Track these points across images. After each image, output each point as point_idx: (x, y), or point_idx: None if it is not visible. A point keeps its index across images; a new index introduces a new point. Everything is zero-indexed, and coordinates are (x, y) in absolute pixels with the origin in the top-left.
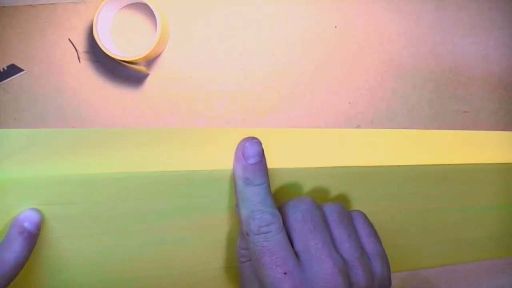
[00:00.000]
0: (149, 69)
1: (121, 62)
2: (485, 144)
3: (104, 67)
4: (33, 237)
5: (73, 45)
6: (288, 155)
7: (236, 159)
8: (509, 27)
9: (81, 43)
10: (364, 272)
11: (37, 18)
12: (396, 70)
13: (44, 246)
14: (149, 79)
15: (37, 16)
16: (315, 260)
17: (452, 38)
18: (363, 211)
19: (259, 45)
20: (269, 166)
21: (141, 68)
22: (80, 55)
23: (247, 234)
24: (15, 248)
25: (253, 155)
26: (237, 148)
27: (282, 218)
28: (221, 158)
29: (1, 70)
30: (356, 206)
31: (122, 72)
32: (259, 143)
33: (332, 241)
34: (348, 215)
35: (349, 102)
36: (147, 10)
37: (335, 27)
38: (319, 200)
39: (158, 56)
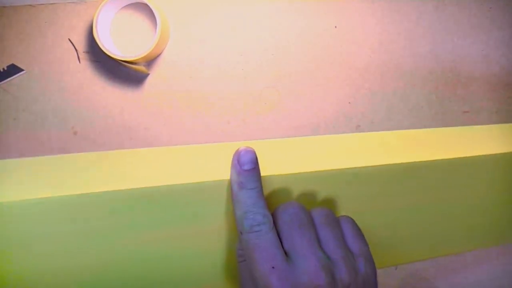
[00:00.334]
0: (149, 69)
1: (121, 62)
2: (474, 138)
3: (104, 67)
4: None
5: (73, 45)
6: (280, 163)
7: (232, 165)
8: (509, 27)
9: (81, 43)
10: (347, 269)
11: (37, 18)
12: (396, 70)
13: (43, 262)
14: (149, 79)
15: (37, 16)
16: (300, 256)
17: (452, 38)
18: (355, 209)
19: (259, 45)
20: (262, 173)
21: (141, 68)
22: (80, 55)
23: (241, 233)
24: None
25: (247, 162)
26: (233, 156)
27: (273, 221)
28: (216, 170)
29: (1, 70)
30: (347, 204)
31: (122, 72)
32: (253, 152)
33: (318, 241)
34: (334, 219)
35: (349, 102)
36: (147, 10)
37: (335, 27)
38: (308, 202)
39: (158, 56)
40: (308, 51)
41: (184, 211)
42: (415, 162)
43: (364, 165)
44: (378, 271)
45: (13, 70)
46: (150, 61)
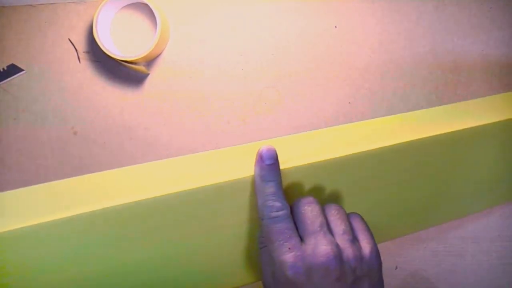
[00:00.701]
0: (149, 69)
1: (121, 62)
2: (460, 113)
3: (104, 67)
4: None
5: (73, 45)
6: (293, 158)
7: (256, 161)
8: (509, 27)
9: (81, 43)
10: (354, 254)
11: (37, 18)
12: (396, 70)
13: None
14: (149, 79)
15: (37, 16)
16: (313, 240)
17: (452, 38)
18: (356, 191)
19: (259, 45)
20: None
21: (141, 68)
22: (80, 55)
23: (262, 219)
24: None
25: (268, 158)
26: (257, 153)
27: (291, 212)
28: (236, 171)
29: (1, 70)
30: (348, 189)
31: (122, 72)
32: (274, 150)
33: (329, 228)
34: (344, 213)
35: (349, 102)
36: (147, 10)
37: (335, 27)
38: (316, 191)
39: (158, 56)
40: (308, 51)
41: (209, 209)
42: (404, 142)
43: (357, 151)
44: None
45: (13, 70)
46: (150, 61)
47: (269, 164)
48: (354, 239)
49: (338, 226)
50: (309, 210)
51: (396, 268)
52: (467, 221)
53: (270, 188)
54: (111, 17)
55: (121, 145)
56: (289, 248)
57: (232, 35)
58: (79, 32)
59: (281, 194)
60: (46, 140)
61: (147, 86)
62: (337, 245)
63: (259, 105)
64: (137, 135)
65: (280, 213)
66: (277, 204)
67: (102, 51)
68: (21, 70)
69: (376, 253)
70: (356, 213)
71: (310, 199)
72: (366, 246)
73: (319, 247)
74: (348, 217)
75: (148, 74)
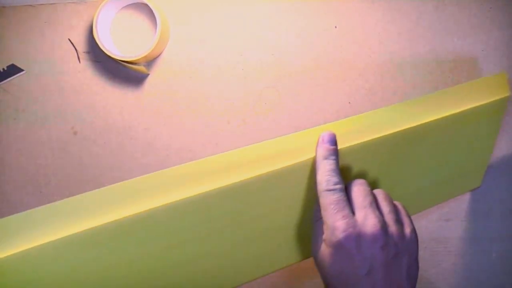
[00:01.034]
0: (149, 69)
1: (121, 62)
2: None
3: (104, 67)
4: None
5: (73, 45)
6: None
7: (318, 143)
8: (509, 27)
9: (81, 43)
10: (397, 231)
11: (37, 18)
12: (396, 70)
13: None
14: (149, 79)
15: (37, 16)
16: (363, 213)
17: (452, 38)
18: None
19: (259, 45)
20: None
21: (141, 68)
22: (80, 55)
23: (320, 192)
24: None
25: (329, 141)
26: (319, 136)
27: (346, 190)
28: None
29: (1, 70)
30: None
31: (122, 72)
32: (334, 134)
33: (377, 206)
34: (391, 198)
35: (349, 102)
36: (147, 10)
37: (335, 27)
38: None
39: (158, 56)
40: (308, 51)
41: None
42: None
43: (370, 138)
44: None
45: (13, 70)
46: (150, 61)
47: (330, 145)
48: (398, 219)
49: (385, 206)
50: (362, 189)
51: None
52: (467, 221)
53: (330, 165)
54: (111, 17)
55: (121, 145)
56: (343, 216)
57: (232, 35)
58: (79, 32)
59: (338, 171)
60: (46, 140)
61: (147, 86)
62: (384, 220)
63: (259, 105)
64: (137, 135)
65: (337, 186)
66: (335, 179)
67: (102, 51)
68: (21, 70)
69: (415, 235)
70: (399, 202)
71: (363, 181)
72: (407, 228)
73: (368, 219)
74: (393, 202)
75: (148, 74)
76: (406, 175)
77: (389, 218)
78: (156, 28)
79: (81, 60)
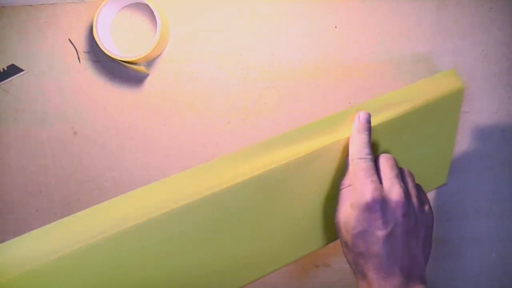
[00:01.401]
0: (149, 69)
1: (121, 62)
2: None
3: (104, 67)
4: None
5: (73, 45)
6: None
7: (354, 120)
8: (509, 27)
9: (81, 43)
10: (418, 204)
11: (37, 18)
12: (396, 70)
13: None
14: (149, 79)
15: (37, 16)
16: (389, 183)
17: (452, 38)
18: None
19: (259, 45)
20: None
21: (141, 68)
22: (80, 55)
23: (352, 160)
24: None
25: (364, 118)
26: (356, 115)
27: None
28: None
29: (1, 70)
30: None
31: (122, 72)
32: (369, 113)
33: (402, 179)
34: (414, 178)
35: (349, 102)
36: (147, 10)
37: (335, 27)
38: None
39: (158, 56)
40: (308, 51)
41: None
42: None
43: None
44: None
45: (13, 70)
46: (150, 61)
47: (365, 122)
48: (419, 194)
49: (409, 182)
50: (390, 162)
51: None
52: (467, 221)
53: (364, 138)
54: (111, 17)
55: (121, 145)
56: (372, 181)
57: (232, 35)
58: (79, 32)
59: (369, 145)
60: (46, 140)
61: (147, 86)
62: (407, 193)
63: (259, 105)
64: (137, 135)
65: (368, 156)
66: (367, 150)
67: (102, 51)
68: (21, 70)
69: (432, 212)
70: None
71: (390, 155)
72: (426, 205)
73: (394, 187)
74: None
75: (148, 74)
76: None
77: (412, 191)
78: (156, 28)
79: (81, 60)
